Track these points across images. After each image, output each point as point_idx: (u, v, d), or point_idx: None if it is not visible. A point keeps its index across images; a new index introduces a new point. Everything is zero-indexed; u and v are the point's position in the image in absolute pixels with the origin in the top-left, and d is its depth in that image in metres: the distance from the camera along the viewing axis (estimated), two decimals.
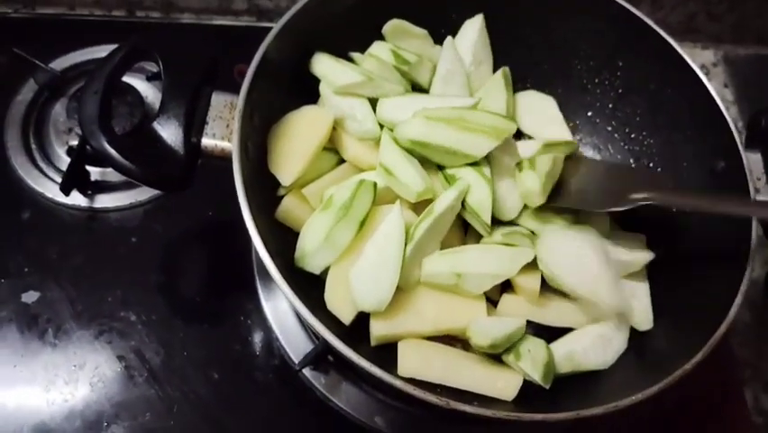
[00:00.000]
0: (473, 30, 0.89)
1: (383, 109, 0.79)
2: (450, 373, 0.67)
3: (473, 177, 0.75)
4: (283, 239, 0.73)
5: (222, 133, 0.71)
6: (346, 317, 0.69)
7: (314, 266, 0.71)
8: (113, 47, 1.02)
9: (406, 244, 0.70)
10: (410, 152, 0.75)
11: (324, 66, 0.80)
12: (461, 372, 0.68)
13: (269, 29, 1.16)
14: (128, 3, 1.19)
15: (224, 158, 0.70)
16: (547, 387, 0.69)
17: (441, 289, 0.72)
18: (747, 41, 1.33)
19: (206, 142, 0.70)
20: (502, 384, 0.68)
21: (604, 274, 0.73)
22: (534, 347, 0.70)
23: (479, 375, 0.69)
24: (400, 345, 0.69)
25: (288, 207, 0.76)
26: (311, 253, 0.70)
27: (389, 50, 0.84)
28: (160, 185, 0.70)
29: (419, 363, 0.67)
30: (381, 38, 0.88)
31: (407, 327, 0.70)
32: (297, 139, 0.75)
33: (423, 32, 0.88)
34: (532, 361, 0.68)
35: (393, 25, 0.87)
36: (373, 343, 0.70)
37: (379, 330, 0.70)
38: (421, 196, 0.72)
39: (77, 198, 0.93)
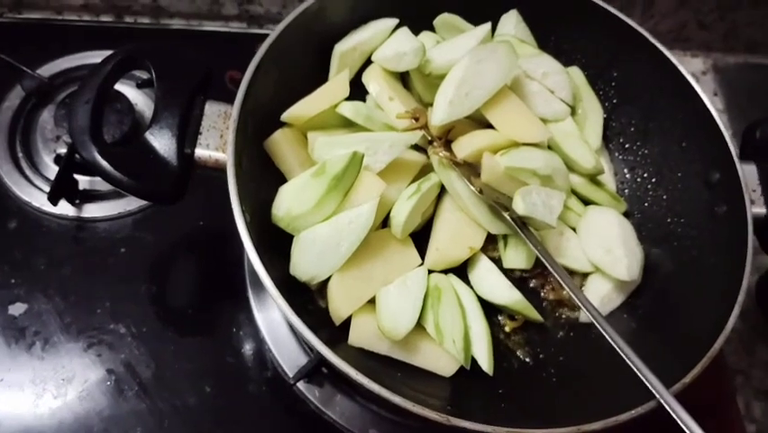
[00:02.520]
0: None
1: (435, 53, 0.82)
2: (397, 346, 0.70)
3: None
4: (277, 250, 0.72)
5: (216, 144, 0.70)
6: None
7: (295, 228, 0.71)
8: (101, 53, 1.03)
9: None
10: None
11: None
12: (407, 347, 0.71)
13: (260, 35, 1.18)
14: (116, 8, 1.17)
15: (218, 169, 0.69)
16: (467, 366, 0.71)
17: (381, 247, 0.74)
18: (737, 50, 1.34)
19: (200, 152, 0.69)
20: (443, 362, 0.72)
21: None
22: (451, 318, 0.72)
23: (423, 352, 0.72)
24: (354, 318, 0.71)
25: (278, 140, 0.78)
26: (299, 216, 0.70)
27: (436, 42, 0.86)
28: (153, 197, 0.68)
29: (370, 336, 0.70)
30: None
31: (362, 298, 0.71)
32: (317, 95, 0.79)
33: (471, 27, 0.87)
34: (452, 337, 0.70)
35: (443, 19, 0.88)
36: (337, 322, 0.71)
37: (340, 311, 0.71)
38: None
39: (64, 208, 0.91)
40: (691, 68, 1.31)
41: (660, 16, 1.25)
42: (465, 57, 0.77)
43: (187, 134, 0.69)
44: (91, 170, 0.64)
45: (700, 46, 1.33)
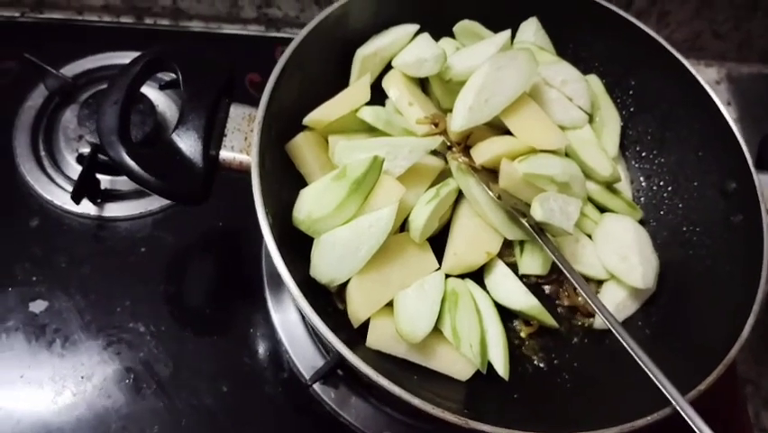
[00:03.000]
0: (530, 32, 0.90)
1: (455, 60, 0.83)
2: (414, 350, 0.71)
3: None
4: (297, 252, 0.72)
5: (240, 146, 0.71)
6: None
7: (315, 230, 0.72)
8: (124, 54, 1.05)
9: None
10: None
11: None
12: (424, 350, 0.72)
13: (278, 38, 1.19)
14: (136, 9, 1.19)
15: (242, 171, 0.70)
16: (483, 370, 0.72)
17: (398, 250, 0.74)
18: (751, 60, 1.34)
19: (225, 154, 0.70)
20: (460, 366, 0.72)
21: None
22: (468, 323, 0.72)
23: (440, 355, 0.72)
24: (372, 321, 0.71)
25: (299, 143, 0.78)
26: (320, 219, 0.71)
27: (455, 48, 0.87)
28: (179, 198, 0.69)
29: (388, 338, 0.71)
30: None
31: (380, 301, 0.72)
32: (338, 100, 0.80)
33: (491, 34, 0.88)
34: (469, 341, 0.71)
35: (463, 25, 0.89)
36: (356, 324, 0.72)
37: (358, 313, 0.71)
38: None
39: (86, 207, 0.92)
40: (705, 77, 1.29)
41: (675, 25, 1.25)
42: (485, 63, 0.77)
43: (213, 136, 0.70)
44: (118, 169, 0.65)
45: (715, 56, 1.33)
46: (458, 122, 0.76)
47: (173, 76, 0.72)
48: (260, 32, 1.22)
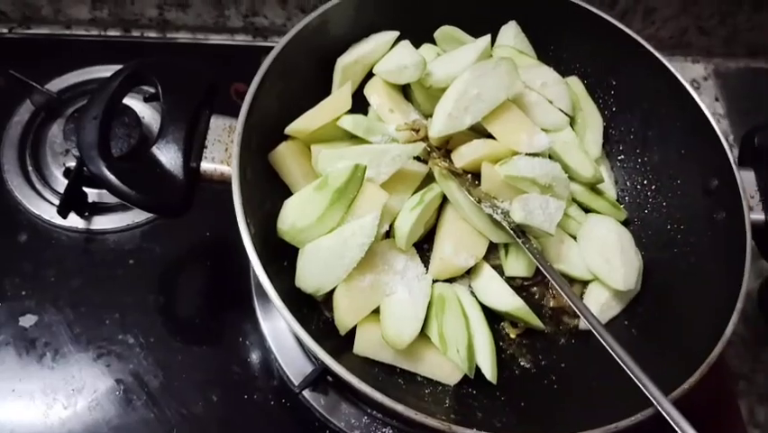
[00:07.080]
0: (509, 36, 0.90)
1: (435, 66, 0.83)
2: (401, 355, 0.72)
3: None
4: (282, 261, 0.73)
5: (221, 157, 0.71)
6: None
7: (300, 241, 0.73)
8: (109, 67, 1.05)
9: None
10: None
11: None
12: (412, 356, 0.72)
13: (265, 47, 1.20)
14: (124, 22, 1.19)
15: (224, 182, 0.70)
16: (471, 375, 0.72)
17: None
18: (738, 55, 1.34)
19: (205, 166, 0.71)
20: (447, 371, 0.73)
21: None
22: (455, 328, 0.72)
23: (427, 361, 0.73)
24: (359, 328, 0.72)
25: (282, 153, 0.78)
26: (304, 229, 0.72)
27: (436, 54, 0.87)
28: (160, 211, 0.70)
29: (374, 345, 0.71)
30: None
31: (367, 308, 0.72)
32: (320, 109, 0.80)
33: (471, 39, 0.89)
34: (456, 346, 0.71)
35: (443, 31, 0.89)
36: (342, 332, 0.72)
37: (345, 321, 0.72)
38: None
39: (74, 220, 0.93)
40: (693, 73, 1.32)
41: (661, 22, 1.25)
42: (467, 71, 0.78)
43: (193, 148, 0.70)
44: (99, 184, 0.66)
45: (701, 51, 1.33)
46: (437, 128, 0.77)
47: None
48: (247, 41, 1.23)
